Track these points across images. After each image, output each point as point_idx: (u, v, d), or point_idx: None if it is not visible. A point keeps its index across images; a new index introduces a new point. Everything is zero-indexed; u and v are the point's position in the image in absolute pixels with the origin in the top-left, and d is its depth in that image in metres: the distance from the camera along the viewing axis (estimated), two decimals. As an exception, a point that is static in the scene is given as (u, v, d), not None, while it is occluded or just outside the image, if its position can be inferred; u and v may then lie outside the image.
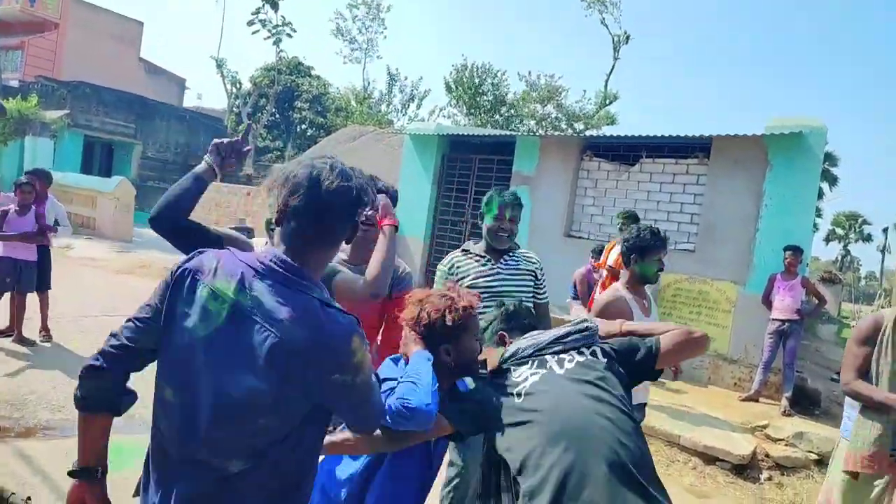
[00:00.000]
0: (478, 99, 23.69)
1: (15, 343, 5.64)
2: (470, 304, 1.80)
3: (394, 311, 2.54)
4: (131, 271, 10.43)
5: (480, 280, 2.74)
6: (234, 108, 26.37)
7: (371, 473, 1.79)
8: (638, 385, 1.91)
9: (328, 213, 1.36)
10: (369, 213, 2.17)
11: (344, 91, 29.97)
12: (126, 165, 21.37)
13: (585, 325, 1.86)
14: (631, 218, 5.69)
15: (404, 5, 67.71)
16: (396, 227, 2.21)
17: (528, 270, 2.85)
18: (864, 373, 2.61)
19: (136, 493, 1.48)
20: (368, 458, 1.80)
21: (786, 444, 5.11)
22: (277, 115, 27.64)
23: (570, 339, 1.81)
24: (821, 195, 24.45)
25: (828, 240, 43.05)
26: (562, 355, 1.79)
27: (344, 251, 2.50)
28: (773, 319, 6.24)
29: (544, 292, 2.90)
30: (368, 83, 30.34)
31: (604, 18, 26.17)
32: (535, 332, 1.91)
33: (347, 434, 1.61)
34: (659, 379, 2.22)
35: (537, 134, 10.76)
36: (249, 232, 6.40)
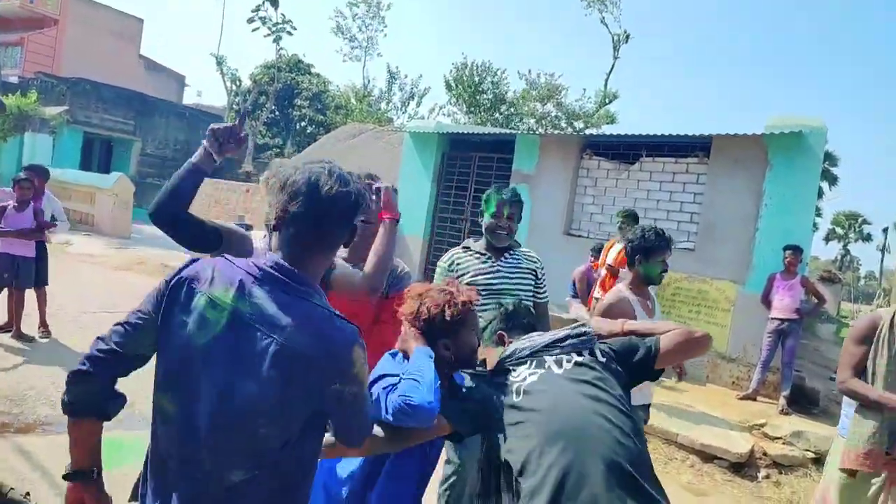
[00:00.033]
0: (478, 97, 23.65)
1: (14, 339, 5.64)
2: (469, 300, 1.80)
3: (389, 310, 2.52)
4: (130, 268, 10.42)
5: (480, 277, 2.73)
6: (234, 106, 26.32)
7: (372, 471, 1.79)
8: (638, 385, 1.90)
9: (327, 219, 1.35)
10: (373, 193, 2.13)
11: (344, 89, 29.95)
12: (125, 162, 21.35)
13: (583, 329, 1.85)
14: (630, 217, 5.69)
15: (404, 3, 67.66)
16: (397, 221, 2.16)
17: (528, 269, 2.84)
18: (860, 371, 2.63)
19: (133, 498, 1.48)
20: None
21: (783, 443, 5.12)
22: (277, 113, 27.62)
23: (567, 343, 1.80)
24: (820, 194, 24.46)
25: (827, 239, 43.09)
26: (560, 355, 1.79)
27: (342, 251, 2.48)
28: (773, 318, 6.25)
29: (544, 292, 2.90)
30: (368, 81, 30.35)
31: (604, 17, 26.15)
32: (534, 334, 1.90)
33: None
34: (661, 379, 2.21)
35: (537, 132, 10.77)
36: (248, 228, 6.40)
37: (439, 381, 1.63)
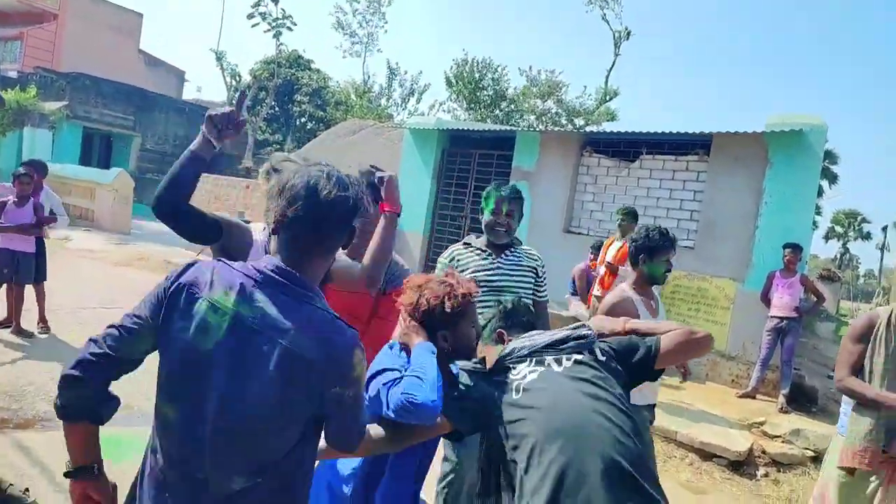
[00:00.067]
0: (478, 94, 23.63)
1: (13, 334, 5.64)
2: (468, 292, 1.80)
3: (387, 306, 2.51)
4: (129, 263, 10.42)
5: (480, 273, 2.72)
6: (234, 101, 26.26)
7: (372, 471, 1.78)
8: (638, 385, 1.89)
9: (326, 223, 1.35)
10: (379, 183, 2.09)
11: (344, 85, 29.86)
12: (125, 157, 21.32)
13: (583, 331, 1.84)
14: (630, 214, 5.69)
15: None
16: (398, 215, 2.12)
17: (529, 267, 2.83)
18: (857, 370, 2.65)
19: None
20: None
21: (782, 441, 5.13)
22: (277, 109, 27.54)
23: (567, 345, 1.80)
24: (820, 193, 24.47)
25: (827, 238, 43.16)
26: (560, 354, 1.78)
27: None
28: (772, 317, 6.25)
29: (544, 290, 2.89)
30: (368, 77, 30.24)
31: (605, 14, 26.07)
32: (534, 333, 1.90)
33: None
34: (663, 378, 2.19)
35: (537, 129, 10.76)
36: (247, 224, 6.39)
37: (442, 379, 1.63)
